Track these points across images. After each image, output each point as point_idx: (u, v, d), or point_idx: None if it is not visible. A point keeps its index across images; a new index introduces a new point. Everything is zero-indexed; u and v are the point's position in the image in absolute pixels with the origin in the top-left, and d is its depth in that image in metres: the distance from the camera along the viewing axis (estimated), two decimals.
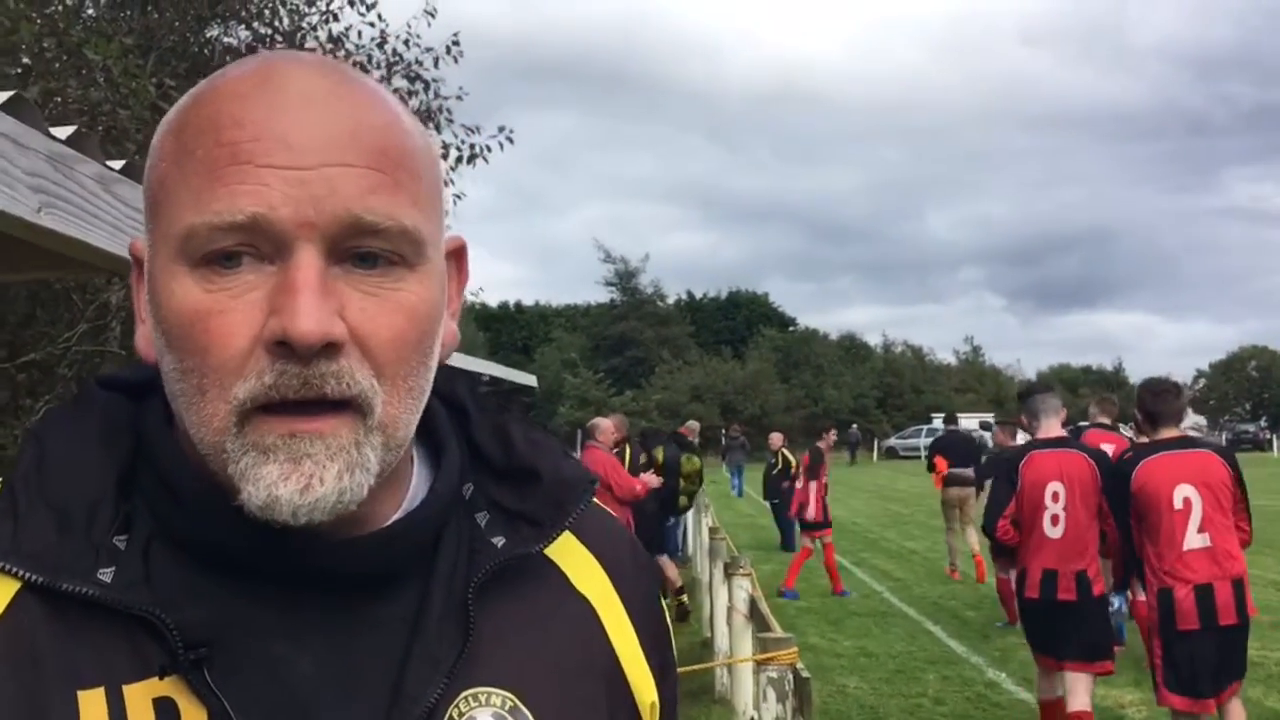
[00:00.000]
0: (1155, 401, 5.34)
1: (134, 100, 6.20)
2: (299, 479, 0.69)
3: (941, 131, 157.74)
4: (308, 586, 0.75)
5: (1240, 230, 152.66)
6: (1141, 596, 5.82)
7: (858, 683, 8.50)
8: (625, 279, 67.41)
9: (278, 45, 9.70)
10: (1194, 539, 5.01)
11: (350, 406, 0.71)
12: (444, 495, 0.82)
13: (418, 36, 9.90)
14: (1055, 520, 5.67)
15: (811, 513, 12.47)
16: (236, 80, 0.73)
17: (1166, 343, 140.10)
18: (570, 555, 0.88)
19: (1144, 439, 5.62)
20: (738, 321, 73.60)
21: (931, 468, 13.56)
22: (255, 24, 9.55)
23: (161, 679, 0.70)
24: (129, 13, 8.45)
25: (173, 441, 0.77)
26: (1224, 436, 59.36)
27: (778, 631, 3.82)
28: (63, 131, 1.82)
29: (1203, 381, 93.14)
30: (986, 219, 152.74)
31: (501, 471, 0.87)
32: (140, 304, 0.79)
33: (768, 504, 17.56)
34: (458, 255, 0.83)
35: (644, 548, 0.99)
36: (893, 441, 55.14)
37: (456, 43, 9.94)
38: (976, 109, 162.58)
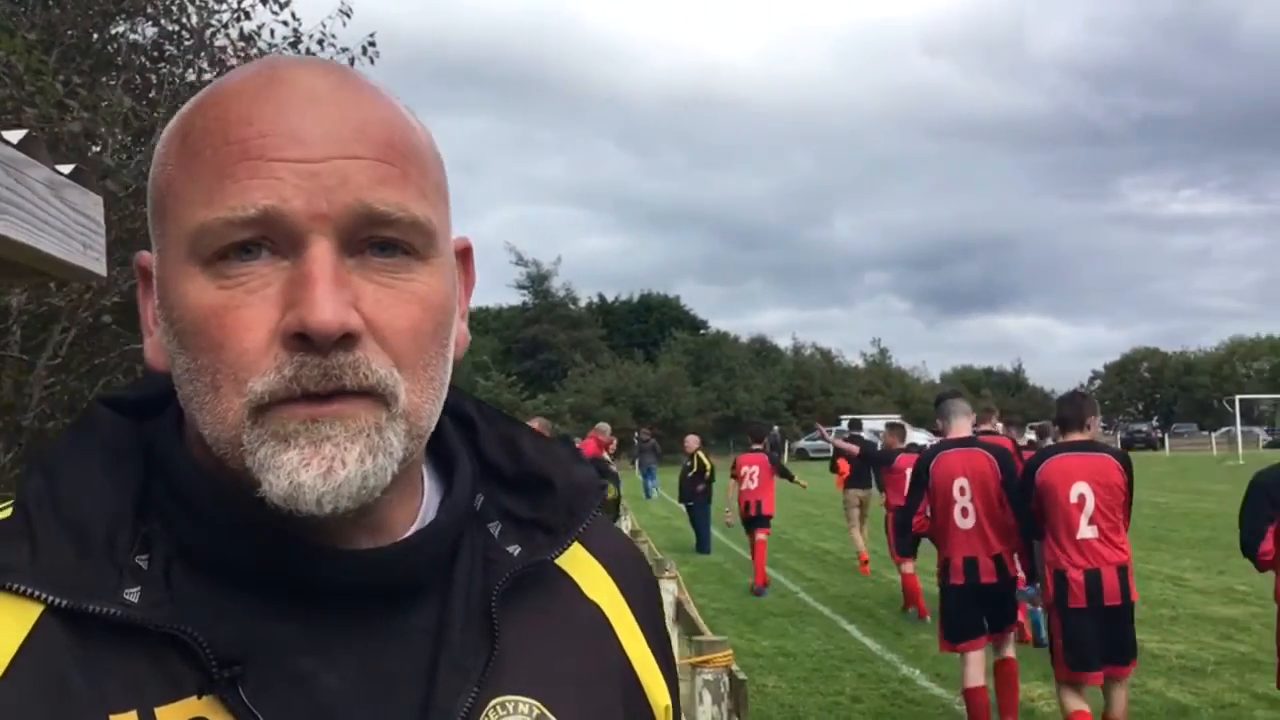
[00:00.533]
0: (1066, 408, 6.09)
1: (40, 98, 6.00)
2: (320, 463, 0.68)
3: (849, 138, 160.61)
4: (330, 601, 0.74)
5: (1133, 236, 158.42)
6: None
7: (776, 682, 8.60)
8: (537, 282, 67.29)
9: (185, 43, 9.46)
10: (1085, 530, 5.66)
11: (370, 395, 0.70)
12: (460, 505, 0.81)
13: (333, 36, 9.71)
14: (965, 512, 6.37)
15: (765, 508, 13.40)
16: (241, 82, 0.73)
17: (1064, 345, 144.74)
18: (578, 563, 0.88)
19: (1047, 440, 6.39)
20: (650, 324, 73.81)
21: (834, 469, 13.90)
22: (162, 20, 9.30)
23: (200, 698, 0.69)
24: (29, 8, 8.18)
25: (187, 457, 0.76)
26: (1118, 436, 61.36)
27: (708, 634, 3.86)
28: (14, 135, 1.76)
29: (1098, 383, 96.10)
30: (892, 224, 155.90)
31: (512, 481, 0.87)
32: (148, 315, 0.79)
33: (683, 506, 17.64)
34: (464, 256, 0.83)
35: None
36: (803, 443, 55.78)
37: (373, 43, 9.78)
38: (883, 116, 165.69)
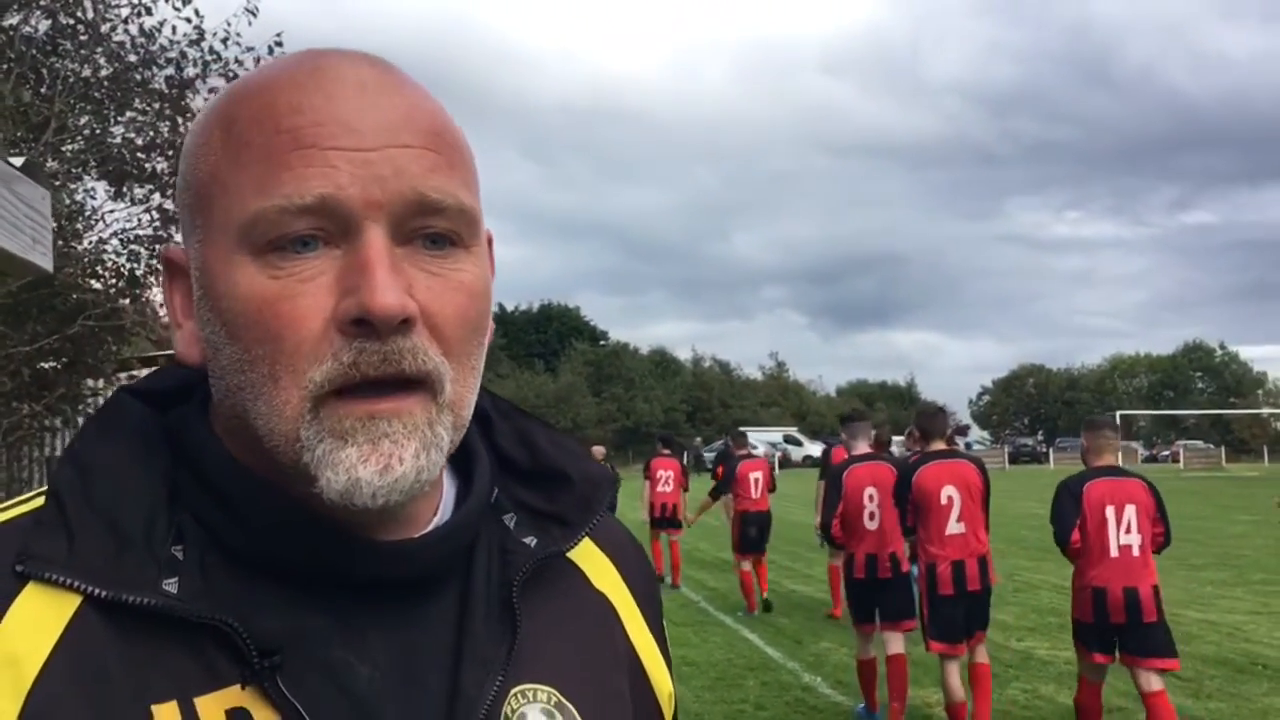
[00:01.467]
0: (927, 422, 7.17)
1: None
2: (378, 459, 0.69)
3: (750, 154, 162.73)
4: (359, 591, 0.75)
5: (1021, 256, 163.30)
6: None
7: (680, 691, 8.60)
8: None
9: (81, 38, 9.18)
10: (954, 526, 6.65)
11: (423, 385, 0.71)
12: (482, 498, 0.83)
13: (238, 35, 9.51)
14: (872, 516, 7.43)
15: (678, 512, 13.99)
16: (286, 72, 0.73)
17: (954, 360, 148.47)
18: (586, 555, 0.90)
19: (918, 449, 7.37)
20: (549, 335, 73.68)
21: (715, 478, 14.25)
22: (59, 15, 9.01)
23: (243, 689, 0.69)
24: None
25: (218, 448, 0.76)
26: (1005, 450, 63.19)
27: None
28: None
29: (986, 397, 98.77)
30: (791, 240, 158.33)
31: (527, 474, 0.88)
32: (176, 307, 0.78)
33: None
34: (487, 246, 0.83)
35: None
36: (706, 453, 56.18)
37: (280, 44, 9.60)
38: (783, 133, 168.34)
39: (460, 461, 0.85)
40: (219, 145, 0.73)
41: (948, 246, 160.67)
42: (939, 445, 7.00)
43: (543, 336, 73.57)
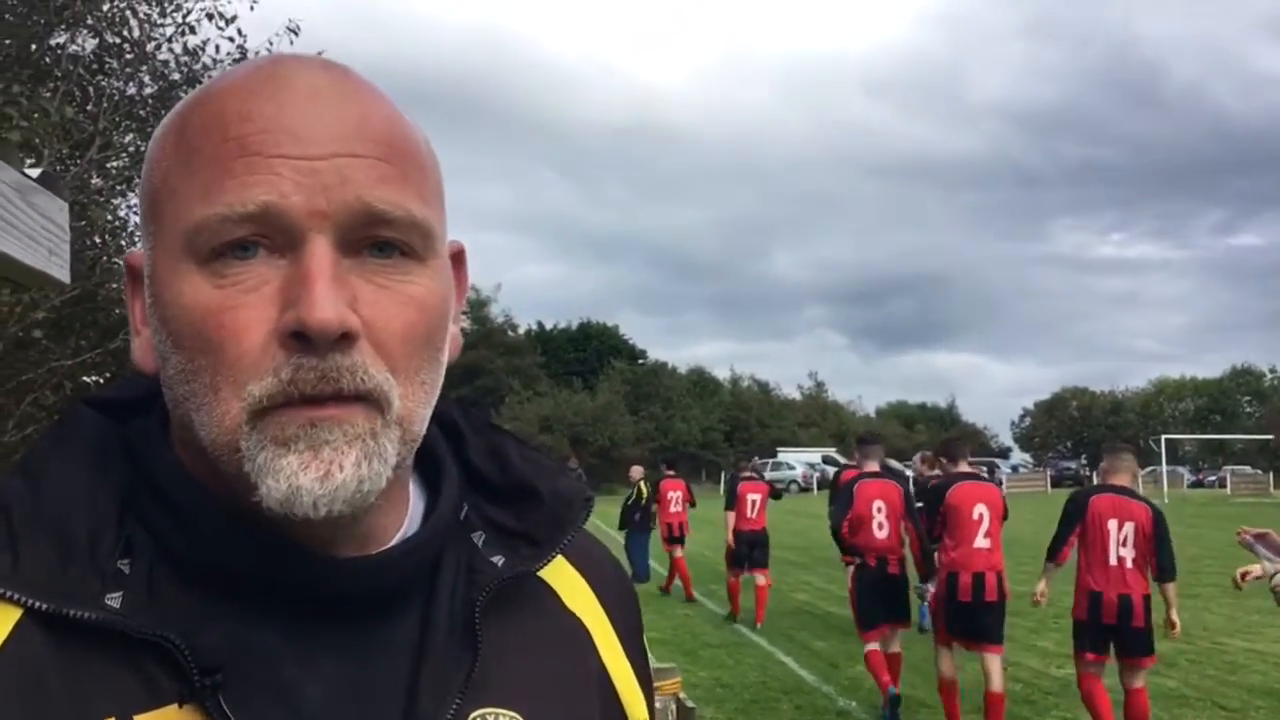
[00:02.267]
0: (954, 447, 8.30)
1: None
2: (319, 466, 0.67)
3: (790, 173, 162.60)
4: (314, 609, 0.73)
5: (1064, 277, 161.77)
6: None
7: (714, 713, 8.57)
8: (476, 308, 66.92)
9: (127, 56, 9.33)
10: (981, 541, 7.32)
11: (366, 400, 0.69)
12: (446, 515, 0.81)
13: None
14: (880, 526, 8.28)
15: (686, 530, 15.10)
16: (241, 79, 0.72)
17: (996, 383, 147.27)
18: (559, 575, 0.88)
19: (937, 471, 8.43)
20: (588, 353, 73.83)
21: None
22: (104, 33, 9.16)
23: (181, 707, 0.67)
24: None
25: (173, 460, 0.75)
26: (1048, 473, 62.47)
27: (653, 662, 3.83)
28: None
29: (1028, 420, 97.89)
30: (831, 260, 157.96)
31: (498, 491, 0.86)
32: (136, 315, 0.77)
33: (621, 534, 17.62)
34: (458, 260, 0.82)
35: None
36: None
37: None
38: (823, 153, 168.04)
39: (429, 477, 0.83)
40: (171, 152, 0.72)
41: (990, 268, 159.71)
42: (964, 468, 7.86)
43: (581, 355, 73.73)
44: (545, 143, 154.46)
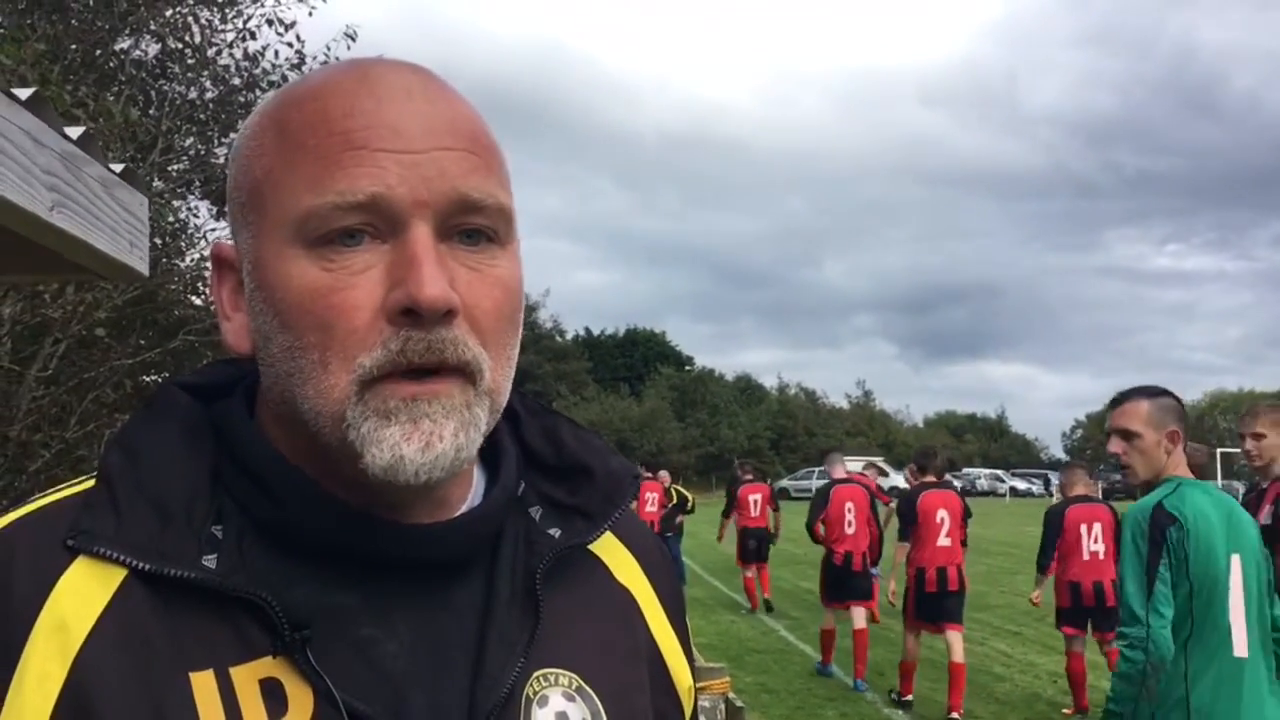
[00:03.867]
0: (924, 459, 9.56)
1: (48, 106, 6.04)
2: (420, 437, 0.73)
3: (844, 183, 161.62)
4: (389, 573, 0.78)
5: (1119, 288, 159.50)
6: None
7: (760, 718, 8.56)
8: (525, 313, 67.11)
9: (188, 61, 9.51)
10: (943, 540, 8.75)
11: (462, 373, 0.74)
12: (509, 487, 0.86)
13: (337, 60, 9.75)
14: (850, 524, 10.17)
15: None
16: (336, 79, 0.78)
17: (1047, 394, 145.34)
18: (609, 549, 0.93)
19: (915, 480, 9.45)
20: (635, 359, 73.94)
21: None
22: (168, 39, 9.35)
23: (275, 659, 0.72)
24: (36, 18, 8.21)
25: (259, 436, 0.80)
26: (1099, 484, 61.49)
27: (702, 661, 3.86)
28: (75, 131, 1.77)
29: (1080, 432, 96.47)
30: (882, 269, 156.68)
31: (552, 469, 0.91)
32: (225, 301, 0.82)
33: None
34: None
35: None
36: (785, 483, 55.76)
37: None
38: (876, 163, 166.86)
39: (489, 455, 0.88)
40: (272, 147, 0.77)
41: (1044, 278, 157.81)
42: (932, 477, 9.21)
43: (628, 360, 73.87)
44: (602, 152, 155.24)
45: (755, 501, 14.43)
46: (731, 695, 3.46)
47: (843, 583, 10.06)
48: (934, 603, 8.69)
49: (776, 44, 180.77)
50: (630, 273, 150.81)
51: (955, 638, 8.62)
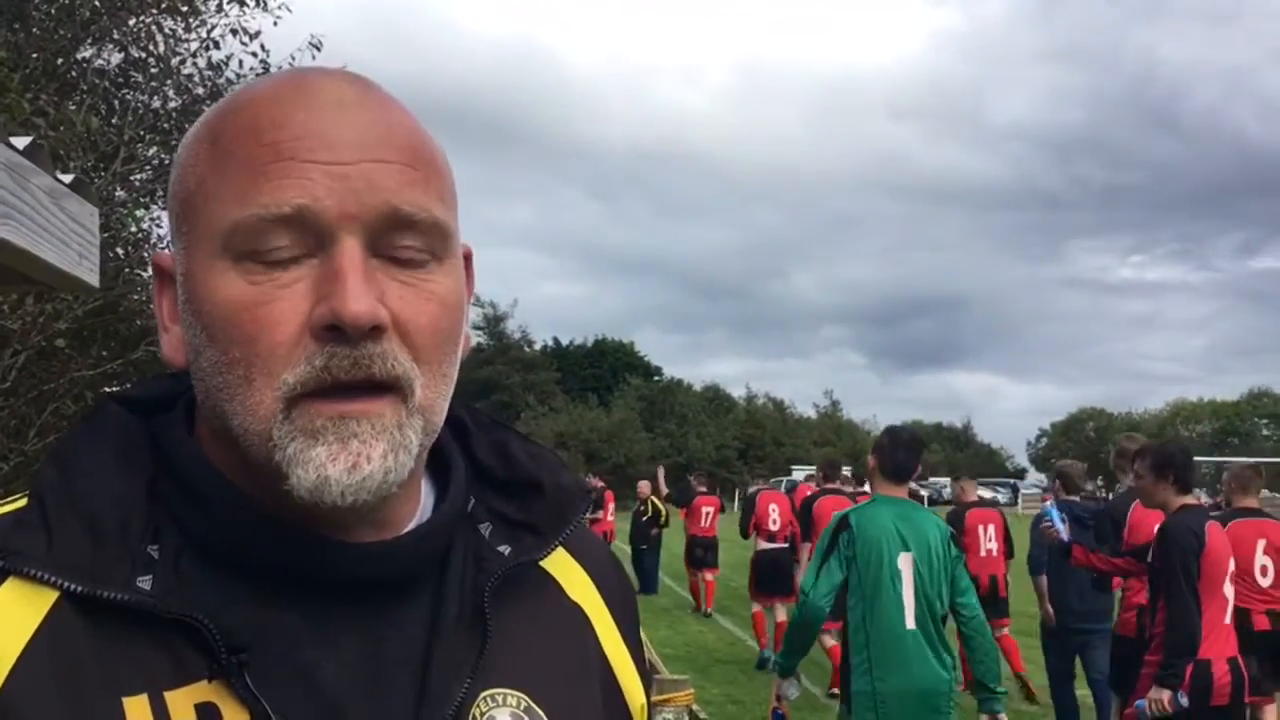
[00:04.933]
0: (829, 468, 10.67)
1: (6, 116, 5.96)
2: (347, 458, 0.71)
3: (813, 195, 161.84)
4: (332, 592, 0.77)
5: (1083, 299, 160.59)
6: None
7: None
8: (493, 323, 67.12)
9: (151, 71, 9.43)
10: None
11: (393, 389, 0.73)
12: (456, 504, 0.85)
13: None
14: (775, 522, 11.56)
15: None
16: (271, 88, 0.76)
17: (1013, 403, 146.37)
18: (561, 565, 0.92)
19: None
20: (603, 369, 73.79)
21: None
22: (130, 48, 9.27)
23: (210, 683, 0.71)
24: None
25: (197, 453, 0.78)
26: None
27: (666, 673, 3.86)
28: (21, 141, 1.75)
29: (1044, 440, 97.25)
30: (851, 281, 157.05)
31: (503, 484, 0.90)
32: (164, 312, 0.81)
33: (630, 549, 17.65)
34: (465, 262, 0.86)
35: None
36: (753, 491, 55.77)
37: None
38: (845, 175, 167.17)
39: (437, 471, 0.87)
40: (205, 157, 0.76)
41: (1010, 290, 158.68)
42: (835, 485, 10.47)
43: (597, 371, 73.71)
44: (571, 163, 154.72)
45: (707, 513, 15.35)
46: (695, 707, 3.47)
47: (771, 575, 11.48)
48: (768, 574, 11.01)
49: (746, 57, 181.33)
50: (599, 284, 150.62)
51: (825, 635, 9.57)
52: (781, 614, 10.95)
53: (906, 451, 4.81)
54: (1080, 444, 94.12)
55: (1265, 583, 6.31)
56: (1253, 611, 6.09)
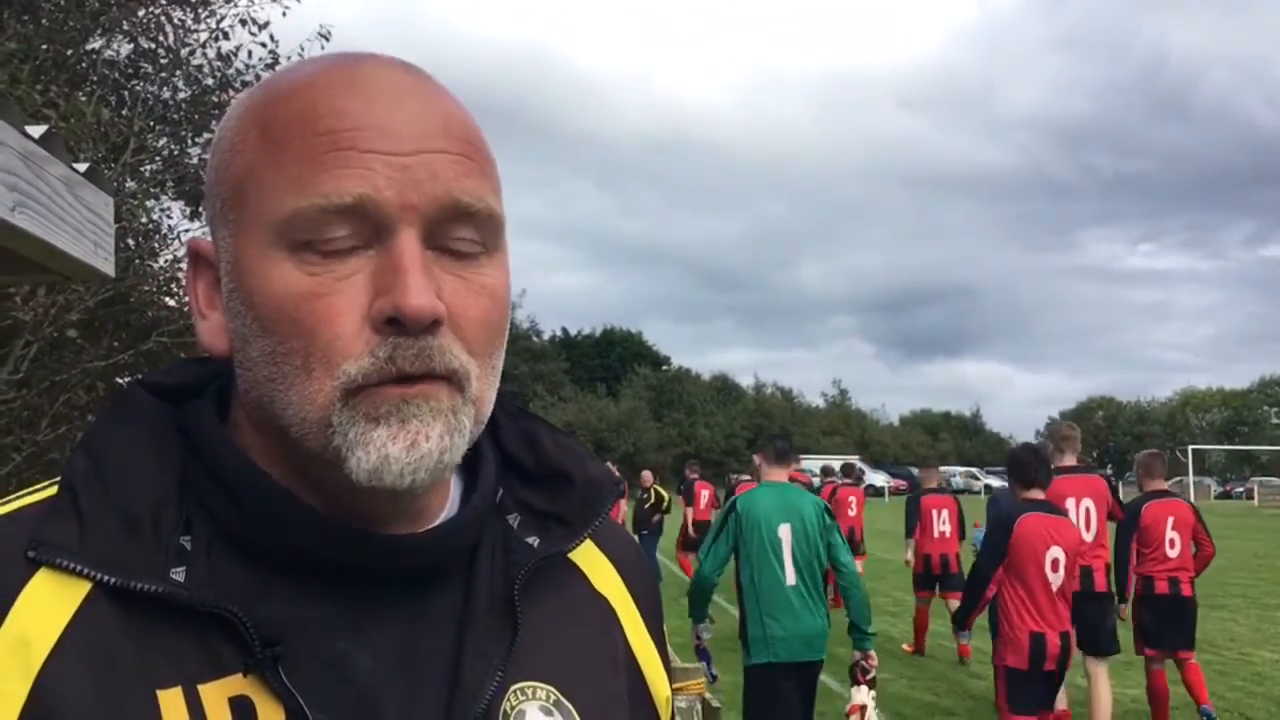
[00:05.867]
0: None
1: (18, 106, 5.99)
2: (406, 436, 0.71)
3: (822, 185, 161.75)
4: (363, 584, 0.76)
5: (1093, 288, 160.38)
6: None
7: (736, 718, 8.56)
8: None
9: (161, 61, 9.44)
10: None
11: (450, 380, 0.73)
12: (486, 495, 0.84)
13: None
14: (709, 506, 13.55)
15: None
16: (324, 75, 0.74)
17: (1022, 392, 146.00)
18: (588, 557, 0.91)
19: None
20: (612, 359, 73.76)
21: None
22: (139, 39, 9.27)
23: (245, 676, 0.70)
24: (6, 18, 8.14)
25: (230, 442, 0.78)
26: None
27: (678, 661, 3.87)
28: (37, 130, 1.74)
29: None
30: (860, 270, 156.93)
31: (531, 475, 0.89)
32: (200, 298, 0.80)
33: (635, 536, 17.83)
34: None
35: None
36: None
37: None
38: (855, 165, 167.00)
39: (467, 462, 0.85)
40: (256, 144, 0.74)
41: (1019, 278, 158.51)
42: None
43: (605, 361, 73.68)
44: (581, 154, 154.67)
45: (705, 497, 16.94)
46: (708, 695, 3.48)
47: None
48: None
49: (756, 47, 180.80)
50: (608, 274, 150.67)
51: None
52: None
53: (783, 441, 6.34)
54: (1089, 432, 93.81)
55: (1173, 554, 7.65)
56: (1155, 578, 7.62)
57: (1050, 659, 5.90)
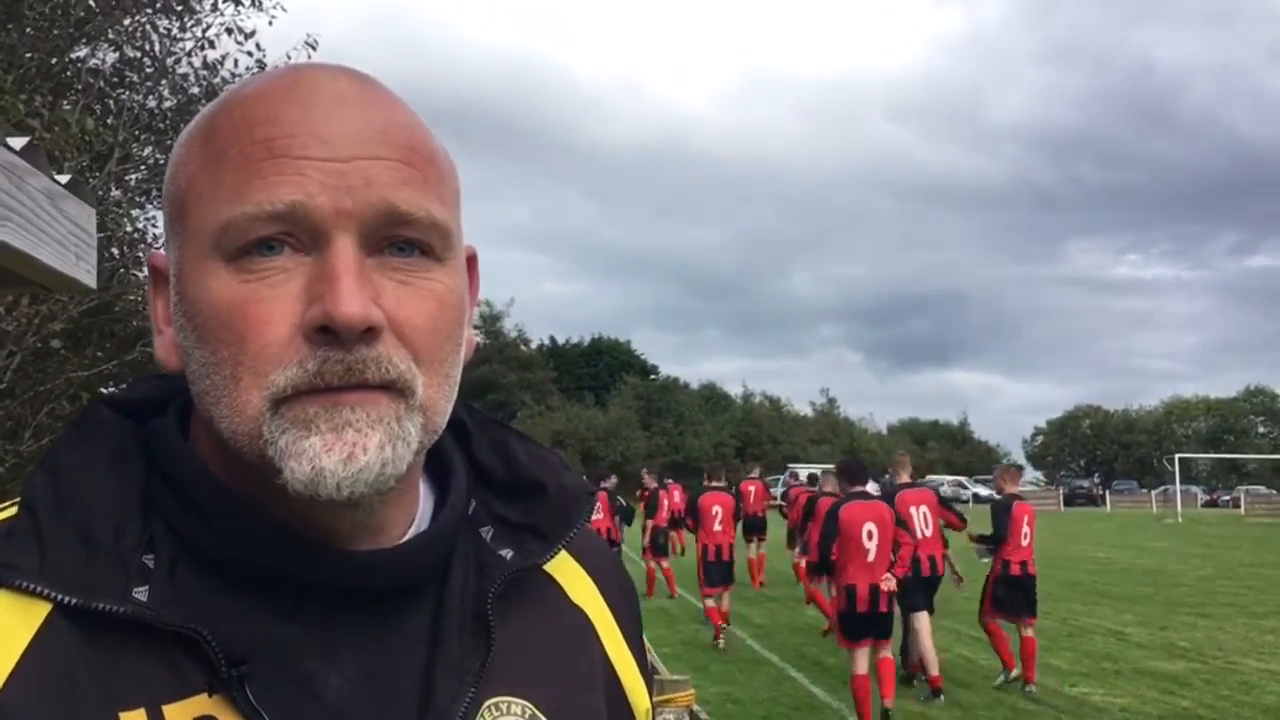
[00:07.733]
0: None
1: (1, 116, 5.94)
2: (342, 448, 0.69)
3: (810, 194, 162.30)
4: (332, 602, 0.75)
5: (1080, 298, 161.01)
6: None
7: None
8: (489, 322, 66.99)
9: (146, 70, 9.41)
10: (716, 526, 12.43)
11: (390, 389, 0.70)
12: (457, 509, 0.82)
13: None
14: (718, 517, 13.49)
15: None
16: (266, 85, 0.74)
17: (1010, 401, 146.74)
18: (564, 569, 0.90)
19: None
20: (600, 368, 73.78)
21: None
22: (124, 47, 9.24)
23: (210, 696, 0.69)
24: None
25: (192, 458, 0.76)
26: (1060, 491, 62.09)
27: (666, 673, 3.85)
28: (17, 142, 1.73)
29: (1040, 438, 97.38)
30: (848, 280, 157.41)
31: (504, 486, 0.88)
32: (158, 314, 0.79)
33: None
34: (470, 264, 0.83)
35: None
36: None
37: None
38: (842, 175, 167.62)
39: (437, 474, 0.85)
40: (198, 155, 0.74)
41: (1007, 288, 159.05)
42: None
43: (594, 370, 73.68)
44: (570, 163, 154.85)
45: (667, 505, 17.21)
46: (696, 707, 3.46)
47: (716, 567, 13.17)
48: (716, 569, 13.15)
49: (744, 57, 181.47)
50: (596, 283, 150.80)
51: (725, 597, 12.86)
52: (726, 602, 13.28)
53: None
54: (1076, 441, 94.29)
55: (1024, 543, 10.02)
56: (1011, 561, 10.02)
57: (861, 601, 8.32)
